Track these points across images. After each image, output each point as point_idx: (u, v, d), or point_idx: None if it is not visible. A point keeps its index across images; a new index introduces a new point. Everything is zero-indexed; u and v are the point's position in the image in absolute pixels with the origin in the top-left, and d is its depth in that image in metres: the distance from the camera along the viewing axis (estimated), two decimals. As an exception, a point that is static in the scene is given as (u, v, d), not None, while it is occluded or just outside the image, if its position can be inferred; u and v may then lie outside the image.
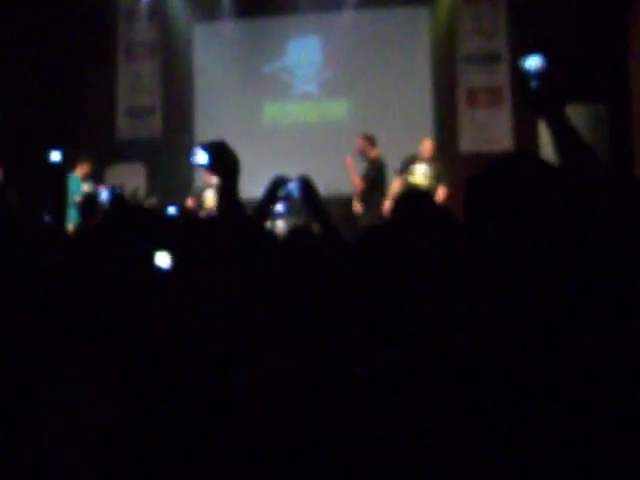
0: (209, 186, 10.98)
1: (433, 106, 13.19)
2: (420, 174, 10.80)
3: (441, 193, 10.46)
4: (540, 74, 2.46)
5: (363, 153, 11.01)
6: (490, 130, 12.82)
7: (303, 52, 13.64)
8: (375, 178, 10.85)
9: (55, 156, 4.36)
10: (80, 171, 11.26)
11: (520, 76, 2.47)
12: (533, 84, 2.47)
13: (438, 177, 10.75)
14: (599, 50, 11.55)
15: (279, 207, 4.01)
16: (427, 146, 10.99)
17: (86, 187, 11.13)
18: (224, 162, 3.11)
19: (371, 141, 11.06)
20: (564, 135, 2.42)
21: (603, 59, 11.58)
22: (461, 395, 1.84)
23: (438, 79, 13.23)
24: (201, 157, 3.08)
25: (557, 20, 11.89)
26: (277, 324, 2.70)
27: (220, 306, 2.66)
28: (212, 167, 3.10)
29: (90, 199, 9.67)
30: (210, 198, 10.96)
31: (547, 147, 11.93)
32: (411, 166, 10.84)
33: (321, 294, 3.06)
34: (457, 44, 13.15)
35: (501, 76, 12.92)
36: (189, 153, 3.11)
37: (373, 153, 10.99)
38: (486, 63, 12.99)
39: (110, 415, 2.22)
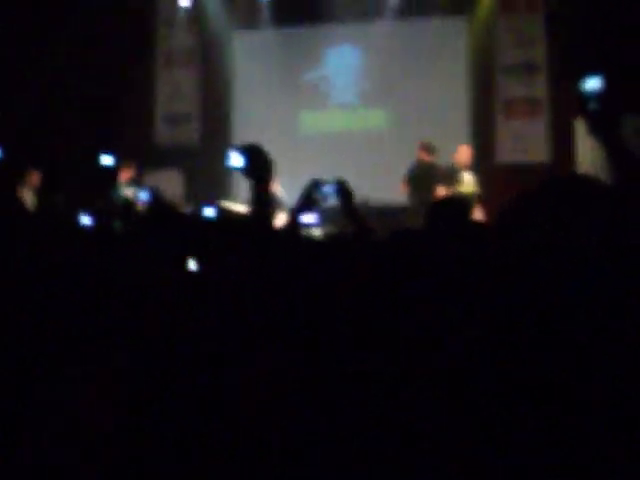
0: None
1: (470, 116, 13.19)
2: (468, 182, 10.77)
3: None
4: (599, 96, 2.48)
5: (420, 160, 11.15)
6: (527, 141, 12.77)
7: (341, 61, 13.70)
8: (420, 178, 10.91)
9: (106, 160, 4.41)
10: (124, 176, 11.39)
11: (579, 98, 2.49)
12: (592, 106, 2.48)
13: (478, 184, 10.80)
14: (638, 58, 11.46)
15: (313, 218, 4.02)
16: (467, 153, 11.02)
17: (130, 192, 11.24)
18: (259, 165, 3.14)
19: (427, 148, 11.17)
20: (620, 155, 2.44)
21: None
22: (455, 396, 1.85)
23: (475, 89, 13.22)
24: (236, 160, 3.10)
25: (595, 30, 11.83)
26: (271, 324, 2.71)
27: (220, 306, 2.70)
28: (247, 170, 3.13)
29: (128, 205, 9.75)
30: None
31: (583, 158, 11.94)
32: (458, 175, 10.80)
33: (316, 295, 3.07)
34: (495, 54, 13.13)
35: (539, 87, 12.88)
36: (224, 156, 3.13)
37: (427, 159, 11.11)
38: (524, 74, 12.95)
39: (107, 414, 2.26)
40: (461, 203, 3.66)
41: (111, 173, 4.80)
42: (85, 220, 5.29)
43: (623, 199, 2.12)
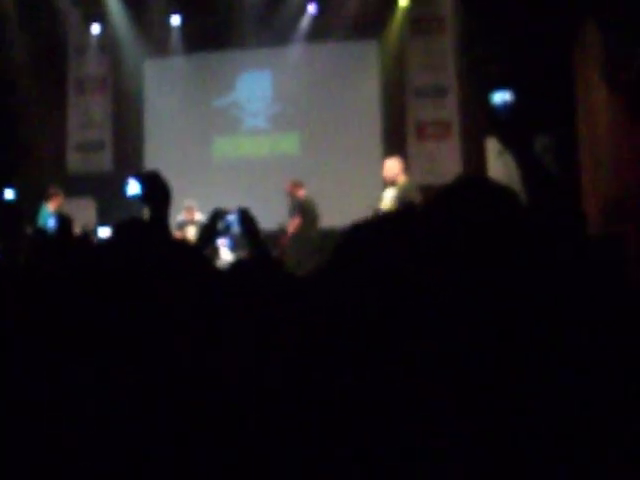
0: (190, 222, 11.13)
1: (383, 139, 13.27)
2: (386, 199, 10.25)
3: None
4: (509, 107, 2.52)
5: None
6: (439, 163, 12.91)
7: (253, 86, 13.72)
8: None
9: (9, 194, 4.30)
10: (53, 204, 11.29)
11: (490, 112, 2.52)
12: (502, 117, 2.52)
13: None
14: (546, 82, 11.69)
15: (223, 242, 4.02)
16: (390, 167, 10.13)
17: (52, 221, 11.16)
18: (155, 193, 3.09)
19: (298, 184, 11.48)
20: (531, 166, 2.47)
21: (550, 91, 11.72)
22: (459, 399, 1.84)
23: (387, 112, 13.34)
24: (133, 187, 3.06)
25: (504, 52, 12.04)
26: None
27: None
28: (144, 198, 3.08)
29: (39, 233, 9.64)
30: (192, 234, 10.94)
31: (495, 178, 12.11)
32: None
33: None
34: (406, 77, 13.27)
35: (449, 109, 13.04)
36: (124, 184, 3.09)
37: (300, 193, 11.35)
38: (434, 96, 13.11)
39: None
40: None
41: (13, 208, 4.71)
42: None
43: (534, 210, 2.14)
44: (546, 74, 11.68)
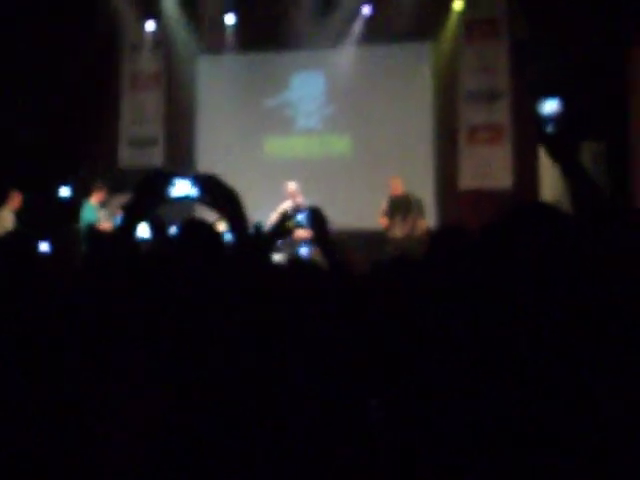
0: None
1: (434, 142, 13.23)
2: None
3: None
4: (557, 118, 2.47)
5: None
6: (490, 167, 12.83)
7: (306, 87, 13.74)
8: None
9: (64, 192, 4.37)
10: (95, 199, 11.45)
11: (537, 120, 2.48)
12: (549, 128, 2.48)
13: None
14: (599, 88, 11.58)
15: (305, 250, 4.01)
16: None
17: (102, 214, 11.32)
18: (222, 197, 3.05)
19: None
20: (578, 178, 2.43)
21: (603, 97, 11.61)
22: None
23: (440, 115, 13.28)
24: (184, 188, 2.98)
25: (558, 58, 11.93)
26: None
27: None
28: (207, 201, 3.04)
29: (92, 229, 9.76)
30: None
31: (546, 184, 12.02)
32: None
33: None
34: (459, 81, 13.21)
35: (502, 113, 12.95)
36: (162, 184, 2.98)
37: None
38: (487, 100, 13.03)
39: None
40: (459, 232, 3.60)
41: (69, 204, 4.75)
42: (44, 247, 5.28)
43: (582, 227, 2.12)
44: (598, 78, 11.57)
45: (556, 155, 2.47)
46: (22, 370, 2.48)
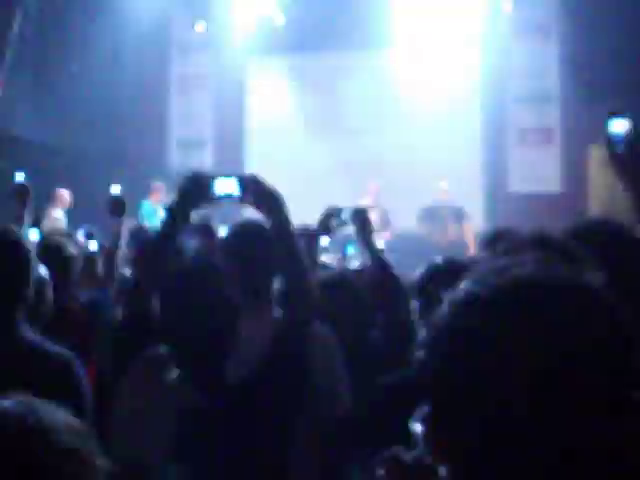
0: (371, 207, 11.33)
1: (483, 144, 13.15)
2: None
3: None
4: (626, 138, 2.45)
5: None
6: (539, 170, 12.73)
7: (353, 88, 13.69)
8: None
9: (115, 189, 4.43)
10: (155, 197, 11.55)
11: (606, 141, 2.46)
12: (619, 148, 2.46)
13: None
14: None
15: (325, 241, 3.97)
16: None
17: (162, 212, 11.37)
18: (265, 196, 3.04)
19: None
20: None
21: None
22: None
23: (488, 117, 13.20)
24: (229, 186, 2.97)
25: (609, 59, 11.79)
26: None
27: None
28: (250, 201, 3.03)
29: (140, 230, 9.83)
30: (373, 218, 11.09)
31: (596, 188, 11.90)
32: None
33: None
34: (508, 83, 13.12)
35: (551, 116, 12.86)
36: (205, 183, 2.98)
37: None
38: (537, 102, 12.93)
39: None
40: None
41: (120, 202, 4.78)
42: (92, 245, 5.31)
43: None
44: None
45: (625, 173, 2.45)
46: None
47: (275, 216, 3.00)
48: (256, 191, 3.00)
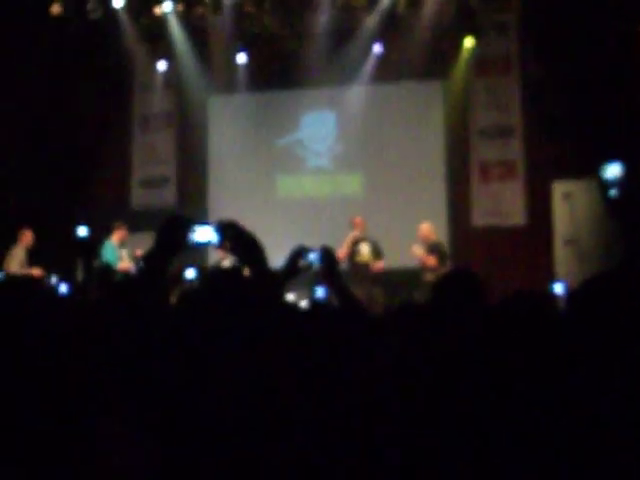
0: (362, 239, 11.53)
1: (446, 179, 13.20)
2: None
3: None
4: (619, 183, 2.48)
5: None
6: (503, 204, 12.78)
7: (317, 126, 13.75)
8: None
9: (82, 231, 4.41)
10: (116, 237, 11.52)
11: (599, 184, 2.49)
12: (612, 193, 2.48)
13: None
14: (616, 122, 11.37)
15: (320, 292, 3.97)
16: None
17: (124, 253, 11.38)
18: (243, 244, 3.07)
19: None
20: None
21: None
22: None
23: (451, 152, 13.26)
24: (206, 235, 3.00)
25: (569, 92, 11.90)
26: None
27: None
28: (228, 248, 3.06)
29: (106, 270, 9.79)
30: (366, 251, 11.46)
31: (559, 222, 11.98)
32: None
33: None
34: (470, 117, 13.20)
35: (514, 150, 12.92)
36: (183, 231, 3.00)
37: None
38: (499, 137, 13.00)
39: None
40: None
41: (86, 244, 4.75)
42: (63, 289, 5.27)
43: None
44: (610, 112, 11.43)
45: (619, 216, 2.49)
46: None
47: (253, 261, 3.01)
48: (233, 237, 3.01)
